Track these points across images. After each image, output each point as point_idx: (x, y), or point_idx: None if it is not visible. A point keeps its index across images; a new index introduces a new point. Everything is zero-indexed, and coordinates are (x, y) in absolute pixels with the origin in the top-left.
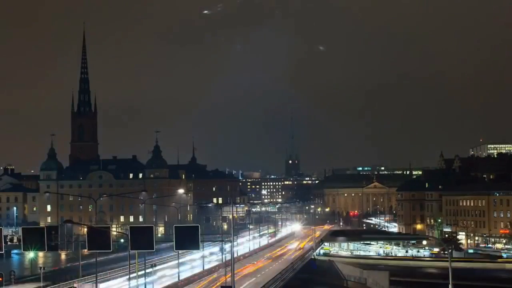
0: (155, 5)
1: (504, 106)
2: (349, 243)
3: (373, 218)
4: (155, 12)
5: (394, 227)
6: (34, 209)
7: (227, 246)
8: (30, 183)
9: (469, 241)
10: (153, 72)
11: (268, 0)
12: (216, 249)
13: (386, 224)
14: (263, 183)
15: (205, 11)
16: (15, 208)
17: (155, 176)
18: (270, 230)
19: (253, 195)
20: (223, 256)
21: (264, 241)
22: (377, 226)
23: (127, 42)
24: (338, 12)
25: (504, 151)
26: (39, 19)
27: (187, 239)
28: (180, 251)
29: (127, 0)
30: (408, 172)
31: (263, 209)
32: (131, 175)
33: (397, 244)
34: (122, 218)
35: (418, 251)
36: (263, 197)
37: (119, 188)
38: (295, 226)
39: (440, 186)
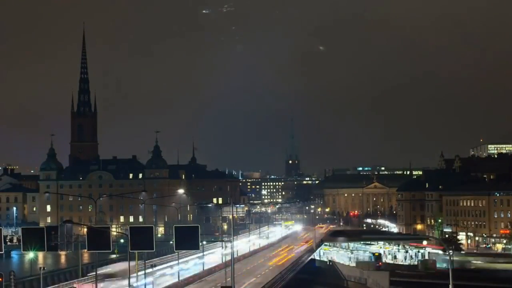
0: (154, 4)
1: (504, 106)
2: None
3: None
4: (155, 12)
5: (394, 227)
6: (34, 209)
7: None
8: (30, 183)
9: (469, 241)
10: (152, 72)
11: (269, 0)
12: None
13: (387, 223)
14: (263, 183)
15: (205, 11)
16: (14, 208)
17: (155, 176)
18: None
19: (253, 195)
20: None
21: None
22: (377, 227)
23: (127, 42)
24: (338, 12)
25: (505, 151)
26: (39, 19)
27: (187, 239)
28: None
29: (127, 0)
30: (408, 172)
31: (263, 209)
32: (131, 175)
33: (397, 244)
34: (122, 218)
35: (418, 251)
36: (263, 197)
37: (119, 188)
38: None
39: (440, 186)
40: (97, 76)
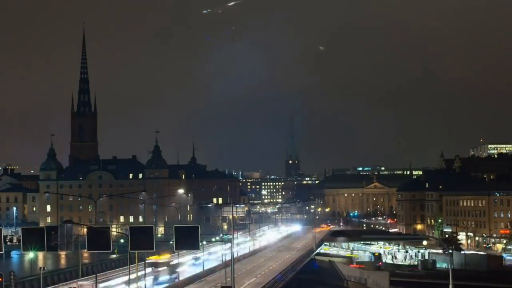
0: (155, 4)
1: (505, 106)
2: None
3: (373, 218)
4: (155, 12)
5: (394, 227)
6: (34, 209)
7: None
8: (30, 183)
9: (469, 241)
10: (153, 72)
11: (269, 0)
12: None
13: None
14: (263, 183)
15: (205, 11)
16: (14, 208)
17: (155, 176)
18: None
19: (253, 195)
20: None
21: None
22: (377, 227)
23: (127, 42)
24: (339, 12)
25: (505, 151)
26: (39, 19)
27: (187, 239)
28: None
29: (127, 0)
30: (408, 172)
31: (263, 209)
32: (131, 175)
33: (397, 244)
34: (122, 218)
35: (418, 251)
36: (263, 197)
37: (119, 188)
38: None
39: (440, 186)
40: (97, 76)
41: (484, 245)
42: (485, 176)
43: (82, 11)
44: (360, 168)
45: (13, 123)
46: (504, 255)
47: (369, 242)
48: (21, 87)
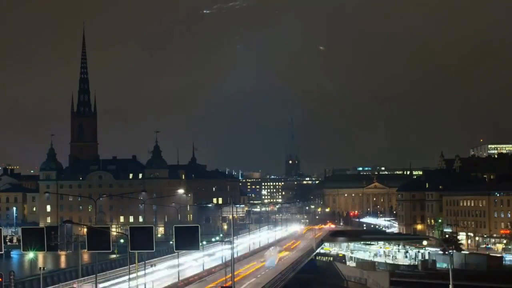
0: (155, 4)
1: (504, 106)
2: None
3: (373, 218)
4: (155, 12)
5: (394, 227)
6: (34, 209)
7: None
8: (30, 183)
9: (469, 241)
10: (153, 72)
11: (269, 0)
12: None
13: (386, 224)
14: (263, 183)
15: (205, 11)
16: (14, 208)
17: (155, 176)
18: None
19: (253, 195)
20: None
21: None
22: (377, 227)
23: (127, 42)
24: (339, 12)
25: (505, 151)
26: (39, 19)
27: (187, 240)
28: None
29: (127, 0)
30: (408, 172)
31: (263, 209)
32: (131, 175)
33: (397, 245)
34: (122, 218)
35: (418, 251)
36: (263, 197)
37: (119, 188)
38: None
39: (440, 186)
40: (97, 76)
41: (484, 245)
42: (485, 176)
43: (83, 11)
44: (360, 168)
45: (13, 123)
46: (504, 255)
47: (369, 242)
48: (21, 87)
